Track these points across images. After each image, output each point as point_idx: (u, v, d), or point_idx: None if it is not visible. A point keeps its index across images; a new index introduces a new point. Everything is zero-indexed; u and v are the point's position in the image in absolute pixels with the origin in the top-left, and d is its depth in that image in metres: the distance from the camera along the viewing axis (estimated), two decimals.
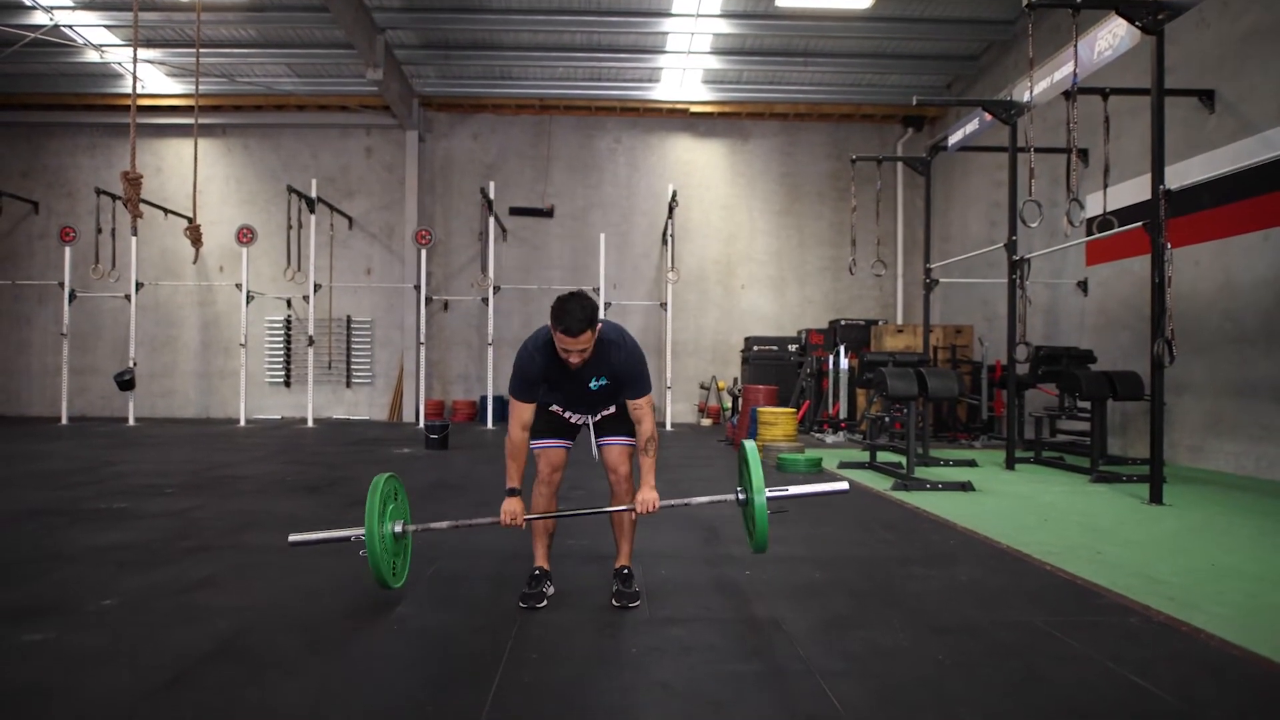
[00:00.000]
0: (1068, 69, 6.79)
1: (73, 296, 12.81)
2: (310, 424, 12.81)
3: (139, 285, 12.67)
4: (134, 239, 12.40)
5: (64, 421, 12.65)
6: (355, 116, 14.21)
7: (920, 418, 8.38)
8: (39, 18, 11.30)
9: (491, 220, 13.14)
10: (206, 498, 5.84)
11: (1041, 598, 3.42)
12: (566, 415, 3.29)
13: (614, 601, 3.19)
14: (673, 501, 3.18)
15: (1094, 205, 8.53)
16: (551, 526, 3.32)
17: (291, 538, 3.23)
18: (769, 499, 2.98)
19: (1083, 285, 9.52)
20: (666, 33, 12.21)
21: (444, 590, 3.50)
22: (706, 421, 14.16)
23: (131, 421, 12.55)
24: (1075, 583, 3.64)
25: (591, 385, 3.09)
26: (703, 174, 14.92)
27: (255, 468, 7.66)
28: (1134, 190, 8.30)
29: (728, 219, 14.94)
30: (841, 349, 11.08)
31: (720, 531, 4.74)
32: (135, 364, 12.63)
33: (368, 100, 13.74)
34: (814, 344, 12.79)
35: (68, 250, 12.74)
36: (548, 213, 14.63)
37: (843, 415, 10.90)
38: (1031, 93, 7.35)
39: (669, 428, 13.08)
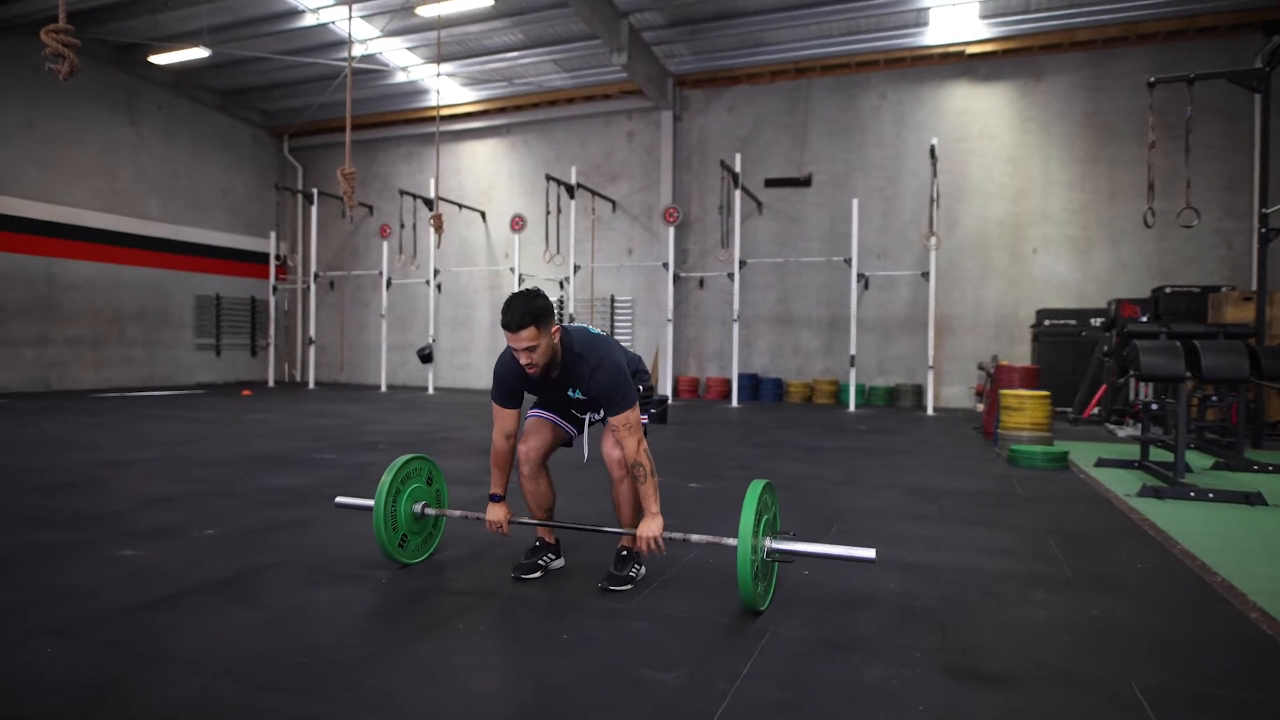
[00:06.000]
0: None
1: (389, 284, 15.08)
2: None
3: (436, 272, 14.50)
4: (432, 233, 14.21)
5: (383, 389, 14.97)
6: (616, 103, 14.76)
7: (1206, 402, 6.49)
8: (357, 49, 13.40)
9: (738, 194, 12.81)
10: (400, 454, 6.40)
11: (1186, 651, 2.36)
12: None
13: (599, 583, 2.89)
14: (672, 535, 2.76)
15: None
16: (546, 503, 3.06)
17: (338, 500, 3.44)
18: (772, 550, 2.59)
19: None
20: None
21: (467, 553, 3.39)
22: (982, 406, 12.41)
23: (430, 391, 14.43)
24: (1268, 634, 2.44)
25: (570, 394, 2.91)
26: (983, 123, 13.04)
27: (474, 432, 8.30)
28: None
29: (1014, 173, 12.90)
30: (1144, 321, 8.95)
31: (838, 519, 4.02)
32: (434, 340, 14.50)
33: (626, 86, 14.17)
34: (1127, 317, 10.51)
35: (384, 245, 15.02)
36: (805, 181, 13.88)
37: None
38: None
39: (930, 412, 11.71)
